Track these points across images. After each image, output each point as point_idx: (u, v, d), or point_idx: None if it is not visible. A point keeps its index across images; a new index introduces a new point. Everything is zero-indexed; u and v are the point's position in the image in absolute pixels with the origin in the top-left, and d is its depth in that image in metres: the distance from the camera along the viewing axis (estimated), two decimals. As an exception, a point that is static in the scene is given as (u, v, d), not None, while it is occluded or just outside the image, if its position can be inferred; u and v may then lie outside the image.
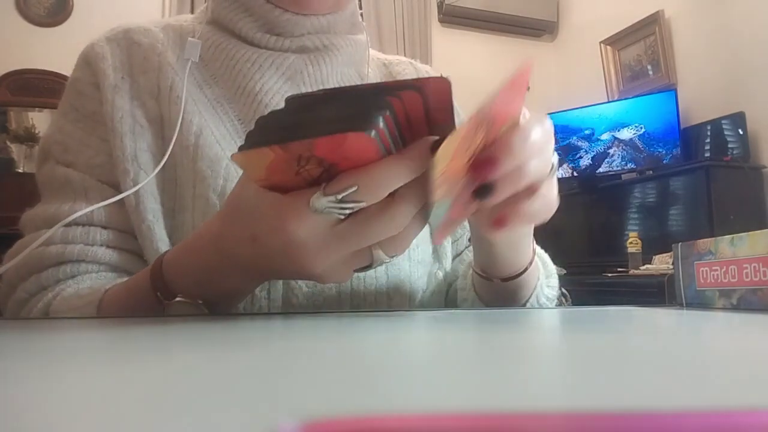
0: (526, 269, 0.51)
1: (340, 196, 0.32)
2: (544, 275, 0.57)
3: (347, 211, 0.33)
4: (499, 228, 0.39)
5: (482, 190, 0.36)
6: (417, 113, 0.33)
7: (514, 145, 0.35)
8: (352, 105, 0.31)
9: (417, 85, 0.32)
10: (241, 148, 0.31)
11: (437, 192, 0.32)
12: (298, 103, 0.33)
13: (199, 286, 0.42)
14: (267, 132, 0.31)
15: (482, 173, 0.35)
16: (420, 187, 0.34)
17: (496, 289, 0.52)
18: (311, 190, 0.33)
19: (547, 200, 0.39)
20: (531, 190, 0.38)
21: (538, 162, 0.37)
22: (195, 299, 0.42)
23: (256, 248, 0.36)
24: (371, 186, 0.32)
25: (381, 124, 0.30)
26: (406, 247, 0.37)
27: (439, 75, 0.33)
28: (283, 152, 0.30)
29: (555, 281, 0.59)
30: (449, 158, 0.31)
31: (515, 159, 0.35)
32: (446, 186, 0.33)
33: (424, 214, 0.36)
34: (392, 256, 0.37)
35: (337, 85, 0.63)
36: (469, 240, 0.56)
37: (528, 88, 0.36)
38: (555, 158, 0.39)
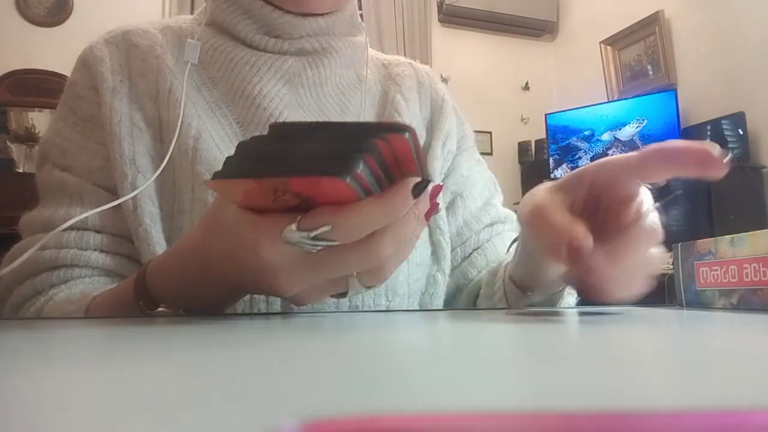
0: (564, 287, 0.51)
1: (312, 234, 0.32)
2: None
3: (319, 248, 0.32)
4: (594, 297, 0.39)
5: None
6: (405, 155, 0.32)
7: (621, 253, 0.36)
8: (335, 143, 0.31)
9: (406, 128, 0.31)
10: (216, 175, 0.30)
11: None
12: (280, 132, 0.33)
13: (180, 294, 0.42)
14: (245, 161, 0.31)
15: (584, 279, 0.37)
16: (401, 224, 0.33)
17: (530, 301, 0.52)
18: (287, 217, 0.32)
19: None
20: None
21: (644, 263, 0.38)
22: (177, 309, 0.42)
23: (231, 265, 0.36)
24: (346, 227, 0.32)
25: (359, 169, 0.29)
26: (385, 279, 0.36)
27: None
28: (259, 186, 0.30)
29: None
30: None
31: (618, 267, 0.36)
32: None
33: (406, 248, 0.35)
34: (369, 287, 0.36)
35: (336, 88, 0.63)
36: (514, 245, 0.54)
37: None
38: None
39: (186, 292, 0.41)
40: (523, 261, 0.50)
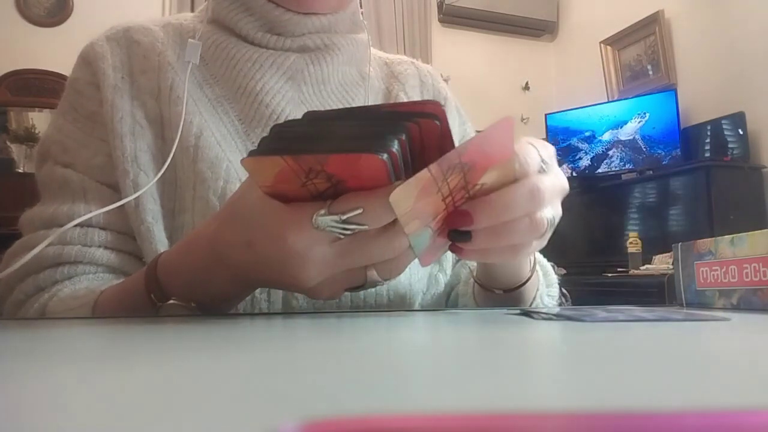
0: (524, 283, 0.51)
1: (344, 217, 0.32)
2: (544, 285, 0.57)
3: (348, 232, 0.33)
4: (480, 259, 0.38)
5: (456, 235, 0.36)
6: (432, 141, 0.33)
7: (494, 205, 0.35)
8: (370, 125, 0.31)
9: (437, 113, 0.32)
10: (252, 153, 0.31)
11: (410, 226, 0.32)
12: (315, 117, 0.33)
13: (192, 287, 0.42)
14: (281, 140, 0.31)
15: (456, 222, 0.35)
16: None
17: (496, 299, 0.52)
18: (315, 204, 0.33)
19: (536, 246, 0.39)
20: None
21: (524, 224, 0.36)
22: (188, 302, 0.42)
23: (251, 255, 0.36)
24: (376, 211, 0.32)
25: (395, 148, 0.30)
26: (401, 272, 0.37)
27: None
28: (295, 163, 0.30)
29: (555, 291, 0.59)
30: (411, 200, 0.31)
31: (492, 219, 0.35)
32: (419, 221, 0.33)
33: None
34: (386, 280, 0.36)
35: (338, 85, 0.63)
36: None
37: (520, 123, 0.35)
38: (551, 214, 0.37)
39: (198, 284, 0.41)
40: (477, 263, 0.52)
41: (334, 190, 0.32)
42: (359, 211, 0.32)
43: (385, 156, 0.29)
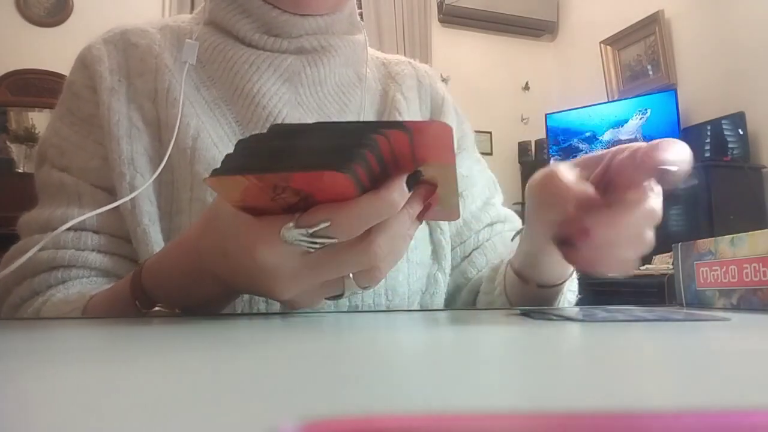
0: (565, 280, 0.51)
1: (311, 231, 0.32)
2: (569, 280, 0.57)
3: (318, 246, 0.32)
4: (580, 268, 0.40)
5: (564, 241, 0.39)
6: (403, 151, 0.32)
7: (613, 221, 0.37)
8: (335, 139, 0.31)
9: (408, 126, 0.31)
10: (215, 172, 0.30)
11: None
12: (280, 130, 0.33)
13: (176, 292, 0.42)
14: (245, 157, 0.31)
15: (576, 237, 0.38)
16: (400, 220, 0.33)
17: (530, 294, 0.52)
18: (284, 218, 0.32)
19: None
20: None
21: (635, 242, 0.39)
22: (173, 308, 0.42)
23: (228, 265, 0.36)
24: (345, 223, 0.32)
25: (360, 163, 0.30)
26: (380, 279, 0.36)
27: (436, 121, 0.33)
28: (259, 181, 0.30)
29: (575, 285, 0.59)
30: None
31: (609, 235, 0.37)
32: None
33: (401, 248, 0.36)
34: (365, 288, 0.36)
35: (335, 86, 0.63)
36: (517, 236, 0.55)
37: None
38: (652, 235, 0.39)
39: (182, 291, 0.41)
40: (524, 247, 0.51)
41: (304, 203, 0.32)
42: (327, 224, 0.32)
43: (348, 171, 0.29)
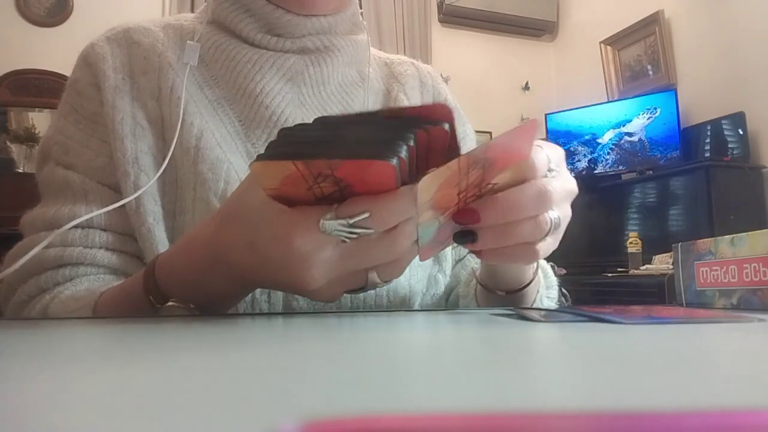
0: (527, 285, 0.51)
1: (351, 221, 0.32)
2: (544, 287, 0.57)
3: (354, 236, 0.33)
4: (486, 259, 0.39)
5: (462, 236, 0.37)
6: (439, 146, 0.33)
7: (502, 204, 0.35)
8: (380, 131, 0.32)
9: (446, 117, 0.32)
10: (260, 157, 0.31)
11: (423, 215, 0.33)
12: (325, 122, 0.34)
13: (190, 288, 0.42)
14: (290, 144, 0.31)
15: (464, 218, 0.36)
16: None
17: (498, 301, 0.52)
18: (321, 208, 0.33)
19: (543, 250, 0.39)
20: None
21: (529, 225, 0.37)
22: (186, 303, 0.42)
23: (253, 256, 0.36)
24: (383, 215, 0.33)
25: (404, 155, 0.30)
26: (401, 274, 0.37)
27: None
28: (305, 168, 0.30)
29: (554, 292, 0.60)
30: (434, 189, 0.31)
31: (499, 218, 0.36)
32: (432, 211, 0.33)
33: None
34: (386, 281, 0.37)
35: (338, 86, 0.63)
36: None
37: (534, 137, 0.36)
38: (556, 216, 0.38)
39: (196, 285, 0.41)
40: (481, 263, 0.52)
41: (338, 194, 0.33)
42: (366, 215, 0.32)
43: (395, 162, 0.30)
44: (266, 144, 0.32)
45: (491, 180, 0.35)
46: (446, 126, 0.32)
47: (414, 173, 0.34)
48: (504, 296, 0.52)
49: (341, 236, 0.33)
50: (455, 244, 0.66)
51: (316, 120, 0.34)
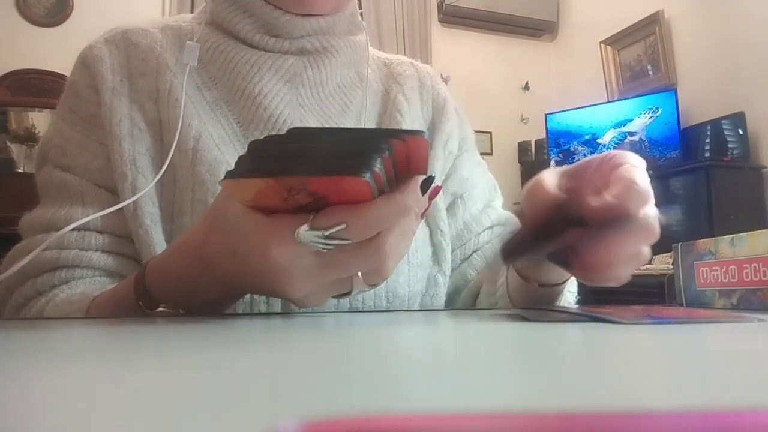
0: (567, 279, 0.51)
1: (327, 233, 0.32)
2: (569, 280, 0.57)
3: (331, 247, 0.33)
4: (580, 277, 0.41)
5: (558, 258, 0.40)
6: (420, 155, 0.33)
7: (608, 243, 0.38)
8: (353, 143, 0.31)
9: (422, 132, 0.32)
10: (229, 174, 0.30)
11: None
12: (296, 133, 0.33)
13: (180, 293, 0.42)
14: (260, 159, 0.31)
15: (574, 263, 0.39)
16: (404, 223, 0.34)
17: (532, 293, 0.52)
18: (298, 217, 0.32)
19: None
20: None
21: (635, 259, 0.39)
22: (176, 309, 0.42)
23: (236, 264, 0.36)
24: (360, 226, 0.32)
25: (377, 167, 0.30)
26: (387, 277, 0.37)
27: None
28: (276, 183, 0.30)
29: (575, 286, 0.59)
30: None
31: (604, 257, 0.38)
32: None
33: (406, 246, 0.36)
34: (372, 285, 0.37)
35: (337, 87, 0.63)
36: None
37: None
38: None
39: (186, 291, 0.41)
40: None
41: (316, 204, 0.32)
42: (342, 226, 0.32)
43: (367, 176, 0.29)
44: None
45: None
46: (424, 135, 0.32)
47: (394, 181, 0.33)
48: (538, 289, 0.51)
49: (318, 247, 0.33)
50: (464, 239, 0.66)
51: (290, 131, 0.33)
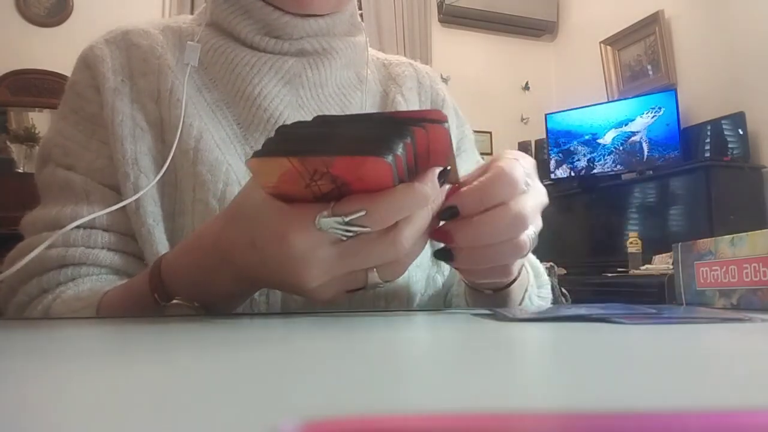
0: (510, 284, 0.51)
1: (347, 219, 0.32)
2: (535, 285, 0.57)
3: (351, 234, 0.33)
4: (465, 276, 0.42)
5: (441, 253, 0.39)
6: (440, 145, 0.33)
7: (478, 228, 0.36)
8: (377, 128, 0.32)
9: (445, 119, 0.32)
10: (256, 153, 0.31)
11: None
12: (323, 119, 0.34)
13: (196, 286, 0.42)
14: (286, 142, 0.32)
15: (438, 237, 0.37)
16: (424, 215, 0.34)
17: (485, 299, 0.52)
18: (319, 205, 0.33)
19: (517, 265, 0.41)
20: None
21: (508, 247, 0.38)
22: (192, 301, 0.42)
23: (255, 255, 0.36)
24: (380, 213, 0.32)
25: (400, 152, 0.30)
26: (402, 274, 0.37)
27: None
28: (300, 165, 0.30)
29: (546, 291, 0.59)
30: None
31: (475, 241, 0.37)
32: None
33: (422, 242, 0.36)
34: (387, 281, 0.37)
35: (336, 88, 0.63)
36: None
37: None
38: (533, 232, 0.39)
39: (202, 283, 0.41)
40: None
41: (337, 192, 0.33)
42: (362, 213, 0.32)
43: (390, 159, 0.30)
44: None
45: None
46: (446, 125, 0.32)
47: (414, 172, 0.33)
48: (491, 295, 0.51)
49: (338, 234, 0.33)
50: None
51: (315, 118, 0.34)
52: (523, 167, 0.38)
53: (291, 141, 0.31)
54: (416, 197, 0.33)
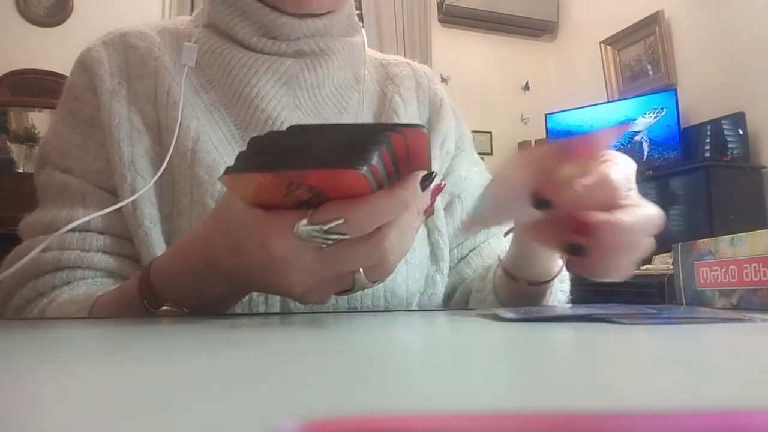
0: (554, 277, 0.51)
1: (325, 227, 0.32)
2: (559, 280, 0.57)
3: (330, 242, 0.33)
4: (580, 273, 0.41)
5: (571, 248, 0.39)
6: (420, 149, 0.33)
7: (621, 224, 0.37)
8: (351, 137, 0.31)
9: (422, 125, 0.32)
10: (229, 170, 0.30)
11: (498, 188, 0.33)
12: (296, 130, 0.33)
13: (185, 291, 0.42)
14: (259, 155, 0.31)
15: (575, 230, 0.38)
16: (405, 219, 0.34)
17: (519, 291, 0.52)
18: (297, 213, 0.32)
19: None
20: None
21: (643, 246, 0.39)
22: (181, 307, 0.42)
23: (239, 260, 0.36)
24: (359, 220, 0.32)
25: (375, 160, 0.30)
26: (389, 273, 0.37)
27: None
28: (274, 179, 0.30)
29: (567, 286, 0.60)
30: (250, 191, 0.32)
31: (615, 237, 0.38)
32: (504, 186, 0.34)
33: (408, 242, 0.36)
34: (374, 282, 0.36)
35: (333, 89, 0.63)
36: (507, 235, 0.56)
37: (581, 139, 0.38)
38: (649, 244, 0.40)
39: (190, 289, 0.41)
40: (514, 244, 0.51)
41: (316, 199, 0.32)
42: (341, 221, 0.32)
43: (365, 170, 0.29)
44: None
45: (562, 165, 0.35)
46: (424, 129, 0.32)
47: (394, 176, 0.33)
48: (526, 287, 0.51)
49: (317, 242, 0.33)
50: (461, 239, 0.67)
51: (290, 128, 0.33)
52: (625, 172, 0.39)
53: (264, 154, 0.31)
54: (396, 203, 0.32)
